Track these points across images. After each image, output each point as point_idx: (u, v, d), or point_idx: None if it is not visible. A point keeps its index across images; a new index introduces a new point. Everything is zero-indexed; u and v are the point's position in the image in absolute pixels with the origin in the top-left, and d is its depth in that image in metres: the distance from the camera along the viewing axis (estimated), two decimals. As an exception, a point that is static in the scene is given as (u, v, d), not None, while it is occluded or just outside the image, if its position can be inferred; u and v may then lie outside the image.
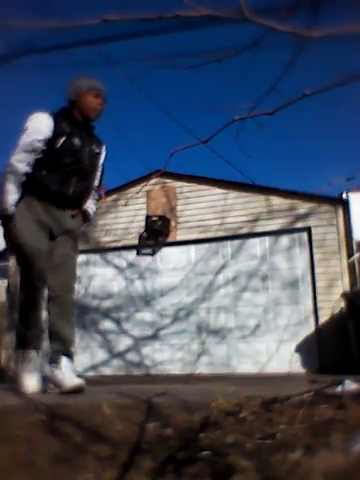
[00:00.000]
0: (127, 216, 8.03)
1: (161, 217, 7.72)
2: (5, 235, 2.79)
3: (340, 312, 6.63)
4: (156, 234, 7.76)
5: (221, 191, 7.71)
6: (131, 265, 8.06)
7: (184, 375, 6.98)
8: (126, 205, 7.75)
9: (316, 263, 6.97)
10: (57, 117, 2.81)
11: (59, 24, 1.54)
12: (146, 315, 7.79)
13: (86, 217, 3.05)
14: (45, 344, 2.80)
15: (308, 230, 7.15)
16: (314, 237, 7.05)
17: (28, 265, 2.75)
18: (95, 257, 8.19)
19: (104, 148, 3.10)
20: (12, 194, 2.71)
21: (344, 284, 6.75)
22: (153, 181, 7.64)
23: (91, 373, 7.48)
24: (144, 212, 7.95)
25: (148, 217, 7.77)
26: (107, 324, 7.96)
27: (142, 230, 7.91)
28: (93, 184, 3.05)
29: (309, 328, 6.87)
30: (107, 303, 8.04)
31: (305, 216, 7.16)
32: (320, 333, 6.74)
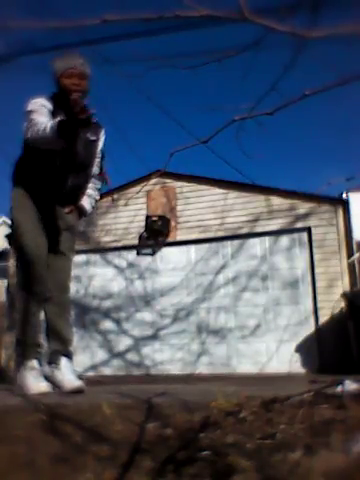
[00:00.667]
0: (127, 216, 8.03)
1: (161, 217, 7.72)
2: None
3: (340, 312, 6.63)
4: (156, 234, 7.76)
5: (221, 191, 7.71)
6: (131, 265, 8.06)
7: (184, 375, 6.98)
8: (126, 205, 7.75)
9: (316, 263, 6.97)
10: (52, 104, 2.64)
11: (59, 24, 1.54)
12: (146, 315, 7.79)
13: (82, 212, 2.90)
14: (44, 344, 2.80)
15: (308, 230, 7.15)
16: (314, 237, 7.05)
17: (28, 270, 2.68)
18: (95, 257, 8.19)
19: (102, 133, 2.89)
20: (48, 123, 2.43)
21: (344, 284, 6.75)
22: (153, 181, 7.64)
23: (91, 373, 7.48)
24: (144, 212, 7.96)
25: (148, 217, 7.77)
26: (107, 324, 7.96)
27: (142, 230, 7.91)
28: (91, 174, 2.89)
29: (309, 328, 6.87)
30: (107, 303, 8.04)
31: (305, 216, 7.16)
32: (320, 333, 6.74)
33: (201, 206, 7.73)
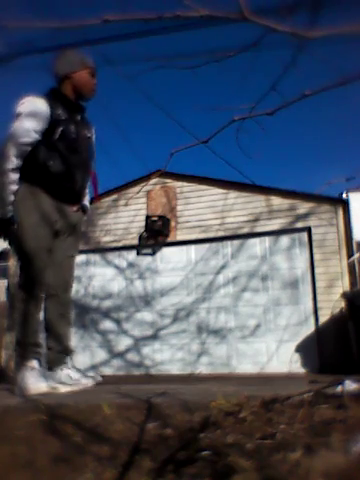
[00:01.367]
0: (127, 216, 8.03)
1: (161, 217, 7.72)
2: (5, 237, 2.62)
3: (340, 312, 6.63)
4: (156, 234, 7.77)
5: (221, 191, 7.71)
6: (131, 265, 8.06)
7: (184, 375, 6.99)
8: (126, 205, 7.75)
9: (316, 263, 6.97)
10: (51, 102, 2.56)
11: (59, 24, 1.54)
12: (146, 315, 7.79)
13: (84, 210, 2.91)
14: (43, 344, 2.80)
15: (308, 230, 7.16)
16: (314, 237, 7.05)
17: (29, 272, 2.64)
18: (95, 257, 8.19)
19: (94, 130, 2.88)
20: (12, 185, 2.47)
21: (344, 284, 6.75)
22: (153, 181, 7.65)
23: (91, 373, 7.47)
24: (144, 212, 7.96)
25: (148, 217, 7.77)
26: (107, 324, 7.96)
27: (142, 230, 7.91)
28: (89, 172, 2.86)
29: (309, 328, 6.87)
30: (107, 303, 8.04)
31: (305, 216, 7.16)
32: (320, 333, 6.74)
33: (201, 206, 7.73)
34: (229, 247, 7.60)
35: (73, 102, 2.68)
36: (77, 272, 3.05)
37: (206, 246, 7.69)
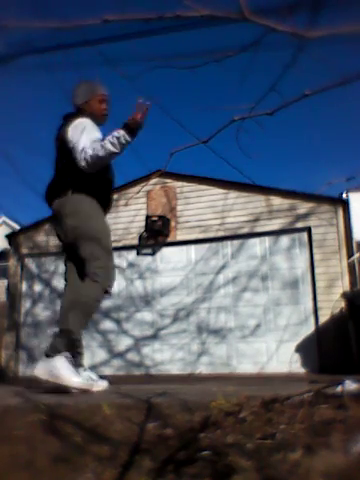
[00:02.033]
0: (127, 216, 8.03)
1: (161, 217, 7.72)
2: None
3: (340, 312, 6.63)
4: (156, 234, 7.77)
5: (221, 191, 7.71)
6: (131, 265, 8.07)
7: (184, 375, 6.99)
8: (126, 205, 7.75)
9: (316, 263, 6.97)
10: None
11: (59, 24, 1.54)
12: (146, 315, 7.79)
13: None
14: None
15: (308, 230, 7.16)
16: (314, 237, 7.05)
17: (104, 270, 2.70)
18: (95, 257, 8.18)
19: None
20: (112, 146, 2.61)
21: (344, 284, 6.75)
22: (153, 181, 7.65)
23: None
24: (144, 212, 7.96)
25: (148, 217, 7.77)
26: (107, 324, 7.96)
27: (142, 230, 7.91)
28: None
29: (309, 328, 6.87)
30: (107, 303, 8.03)
31: (305, 216, 7.16)
32: (320, 333, 6.74)
33: (201, 206, 7.73)
34: (229, 247, 7.60)
35: None
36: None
37: (206, 246, 7.69)
